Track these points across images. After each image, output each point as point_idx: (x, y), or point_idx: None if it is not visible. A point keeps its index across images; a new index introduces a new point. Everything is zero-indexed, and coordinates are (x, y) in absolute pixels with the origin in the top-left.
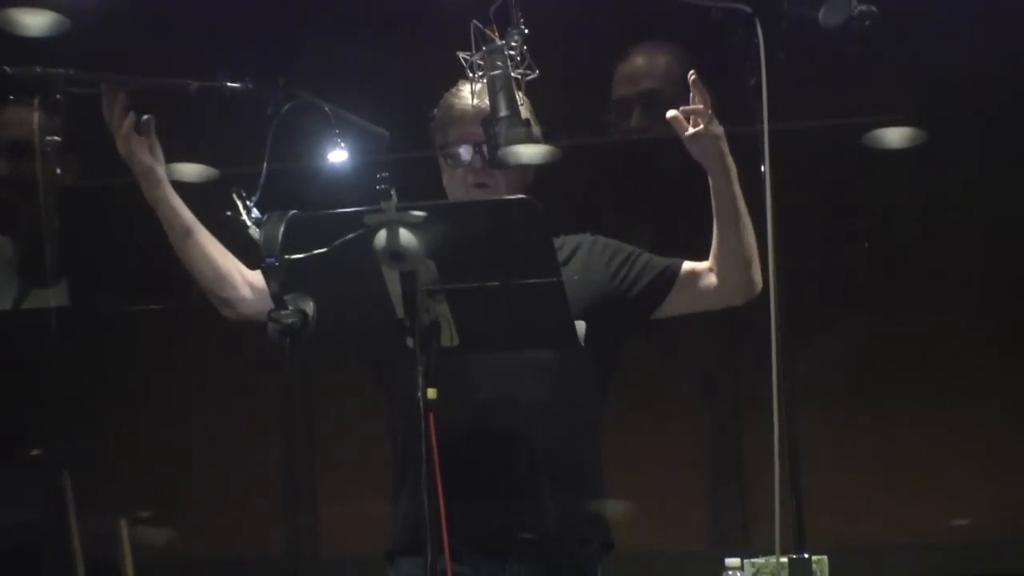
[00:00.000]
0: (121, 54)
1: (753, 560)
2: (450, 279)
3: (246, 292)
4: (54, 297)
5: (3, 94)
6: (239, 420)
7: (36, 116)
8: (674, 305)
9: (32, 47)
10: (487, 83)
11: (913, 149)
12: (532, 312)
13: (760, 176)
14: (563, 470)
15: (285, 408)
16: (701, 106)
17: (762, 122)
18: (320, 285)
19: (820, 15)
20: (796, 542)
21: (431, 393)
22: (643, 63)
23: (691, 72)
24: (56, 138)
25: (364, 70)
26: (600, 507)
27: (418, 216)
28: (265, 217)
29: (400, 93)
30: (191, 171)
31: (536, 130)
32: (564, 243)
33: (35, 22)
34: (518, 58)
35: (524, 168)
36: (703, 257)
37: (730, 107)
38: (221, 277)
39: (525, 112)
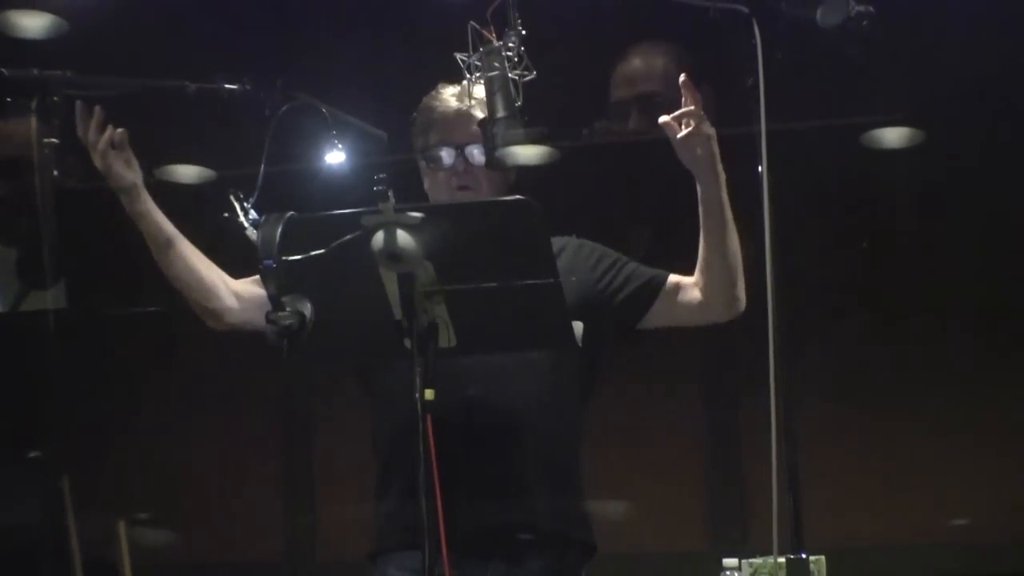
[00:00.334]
0: (119, 56)
1: (751, 560)
2: (448, 280)
3: (231, 302)
4: (53, 299)
5: (1, 96)
6: (237, 422)
7: (32, 122)
8: (658, 317)
9: (30, 49)
10: (485, 84)
11: (911, 149)
12: (530, 313)
13: (758, 177)
14: (543, 473)
15: (283, 410)
16: (692, 107)
17: (759, 122)
18: (318, 286)
19: (818, 15)
20: (794, 542)
21: (428, 394)
22: (640, 65)
23: (682, 75)
24: (54, 140)
25: (362, 72)
26: (581, 510)
27: (416, 217)
28: (263, 218)
29: (398, 94)
30: (189, 173)
31: (532, 130)
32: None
33: (33, 24)
34: (515, 59)
35: (508, 169)
36: (693, 265)
37: (728, 108)
38: (205, 288)
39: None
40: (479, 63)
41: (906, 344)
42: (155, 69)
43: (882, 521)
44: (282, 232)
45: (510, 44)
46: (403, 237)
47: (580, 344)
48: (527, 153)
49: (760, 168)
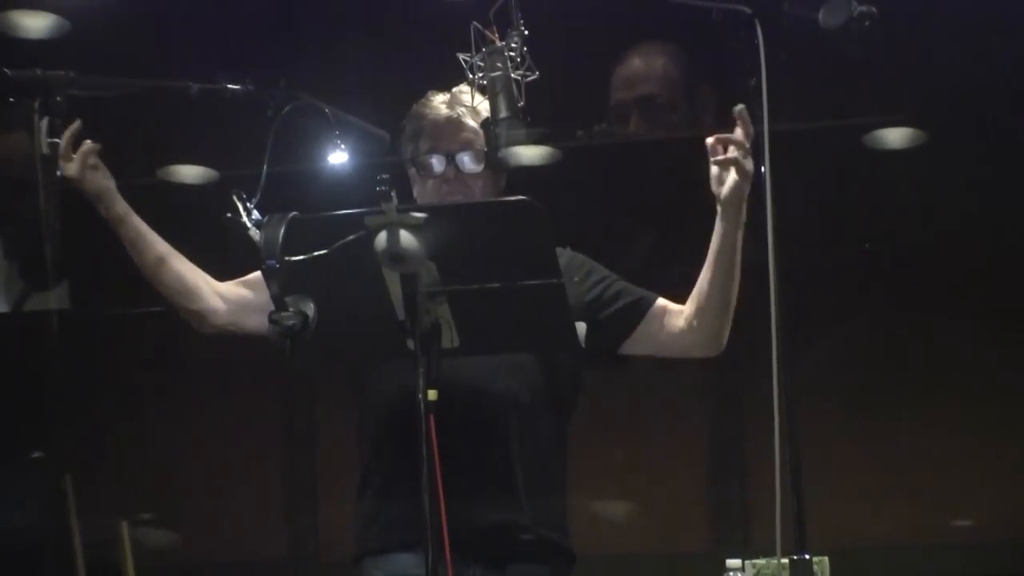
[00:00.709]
0: (122, 56)
1: (754, 561)
2: (451, 281)
3: (216, 303)
4: (56, 300)
5: (4, 97)
6: (240, 422)
7: (36, 121)
8: (642, 341)
9: (33, 49)
10: (487, 85)
11: (913, 150)
12: (533, 314)
13: (760, 177)
14: (523, 478)
15: (286, 410)
16: (742, 138)
17: (762, 123)
18: (321, 287)
19: (820, 16)
20: (797, 543)
21: (432, 395)
22: (640, 67)
23: (740, 106)
24: (57, 141)
25: (364, 72)
26: (563, 518)
27: (419, 218)
28: (265, 219)
29: (400, 95)
30: (192, 173)
31: (535, 131)
32: None
33: (36, 24)
34: (518, 59)
35: (496, 175)
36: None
37: (730, 108)
38: (188, 290)
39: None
40: (482, 63)
41: (909, 344)
42: (158, 69)
43: (885, 522)
44: (285, 232)
45: (512, 44)
46: (406, 237)
47: (583, 345)
48: (529, 153)
49: (763, 168)
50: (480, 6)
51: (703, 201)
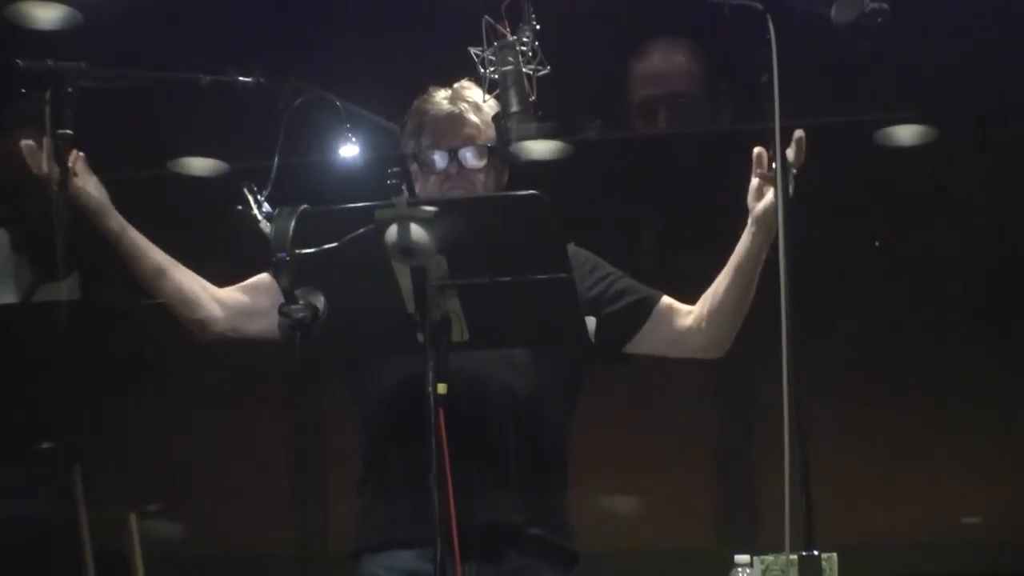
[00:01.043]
0: (133, 48)
1: (763, 557)
2: (460, 274)
3: (215, 311)
4: (65, 290)
5: (16, 87)
6: (249, 415)
7: (47, 113)
8: (647, 339)
9: (44, 41)
10: (498, 79)
11: (924, 146)
12: (542, 308)
13: (772, 173)
14: (527, 475)
15: (294, 403)
16: (794, 157)
17: (773, 119)
18: (330, 280)
19: (832, 12)
20: (806, 539)
21: (441, 388)
22: (668, 64)
23: (799, 131)
24: (68, 132)
25: (375, 65)
26: (566, 517)
27: (429, 211)
28: (276, 212)
29: (411, 88)
30: (202, 165)
31: (546, 125)
32: None
33: (47, 16)
34: (529, 54)
35: (499, 170)
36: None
37: (742, 104)
38: (187, 299)
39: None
40: (493, 58)
41: (919, 342)
42: (169, 62)
43: (894, 518)
44: (295, 225)
45: (524, 39)
46: (416, 231)
47: (592, 340)
48: (540, 148)
49: (774, 164)
50: (492, 0)
51: (719, 198)
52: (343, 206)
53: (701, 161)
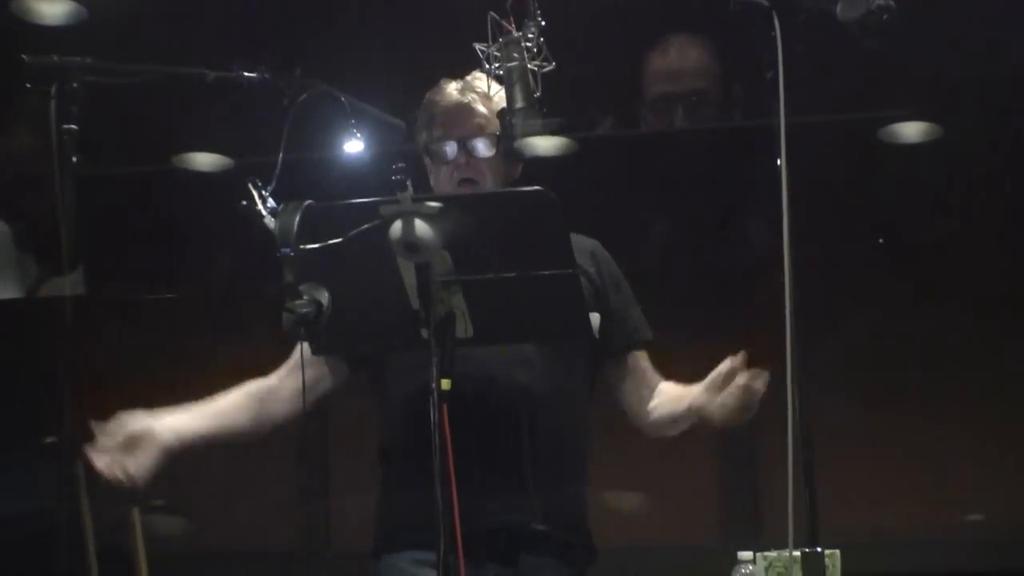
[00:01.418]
0: (138, 43)
1: (766, 553)
2: (465, 270)
3: (280, 407)
4: (70, 285)
5: (20, 83)
6: None
7: (52, 108)
8: (600, 369)
9: (49, 36)
10: (503, 75)
11: (929, 144)
12: (547, 304)
13: (776, 169)
14: (548, 473)
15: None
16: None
17: (778, 115)
18: (335, 275)
19: (838, 9)
20: (809, 536)
21: (445, 384)
22: (687, 60)
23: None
24: (73, 127)
25: (381, 61)
26: (585, 514)
27: (434, 207)
28: (281, 207)
29: (417, 84)
30: (207, 160)
31: (551, 121)
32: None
33: (52, 11)
34: (535, 50)
35: (510, 161)
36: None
37: (746, 100)
38: (260, 425)
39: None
40: (498, 53)
41: (922, 339)
42: (174, 57)
43: (898, 516)
44: (300, 221)
45: (529, 35)
46: (421, 227)
47: (596, 336)
48: (545, 144)
49: (779, 161)
50: None
51: (725, 195)
52: (348, 201)
53: (707, 157)
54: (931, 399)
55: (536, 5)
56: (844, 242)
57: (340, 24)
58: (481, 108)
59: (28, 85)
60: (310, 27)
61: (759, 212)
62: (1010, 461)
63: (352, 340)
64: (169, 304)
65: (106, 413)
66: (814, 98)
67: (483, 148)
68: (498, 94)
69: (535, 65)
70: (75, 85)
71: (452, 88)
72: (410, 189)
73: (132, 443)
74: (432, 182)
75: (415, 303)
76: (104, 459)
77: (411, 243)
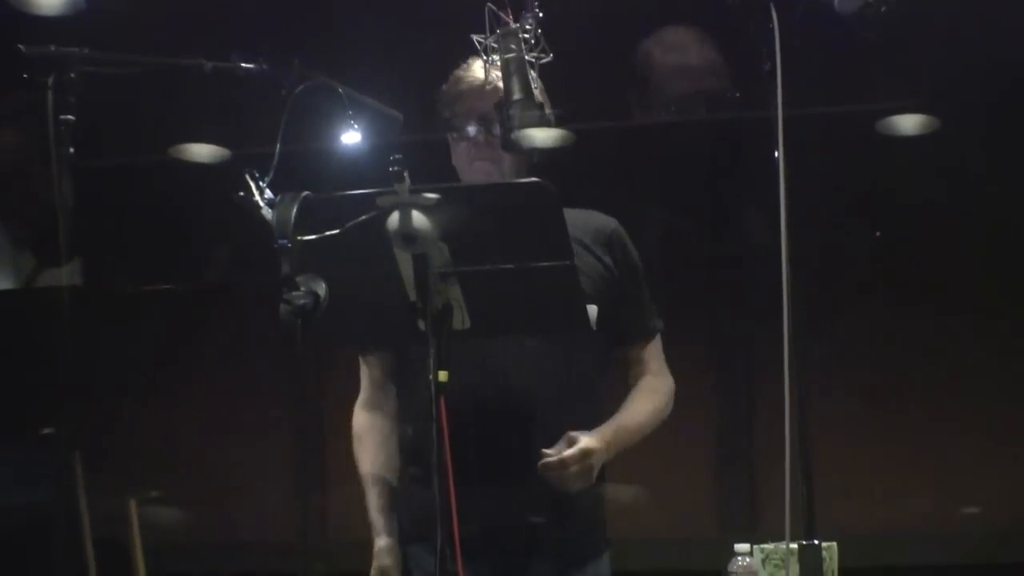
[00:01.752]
0: (136, 33)
1: (763, 546)
2: (462, 262)
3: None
4: (67, 276)
5: (18, 73)
6: (249, 401)
7: (49, 98)
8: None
9: (46, 26)
10: (501, 66)
11: (927, 136)
12: (544, 295)
13: (774, 162)
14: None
15: (295, 390)
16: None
17: (776, 108)
18: (332, 267)
19: (836, 1)
20: (806, 528)
21: (442, 376)
22: (702, 60)
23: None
24: (70, 117)
25: (378, 52)
26: (602, 505)
27: (431, 198)
28: (278, 198)
29: (414, 75)
30: (204, 151)
31: (549, 113)
32: (584, 215)
33: (49, 1)
34: (532, 41)
35: (525, 152)
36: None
37: (744, 92)
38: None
39: (537, 95)
40: (496, 45)
41: (919, 333)
42: (172, 47)
43: (895, 508)
44: (297, 212)
45: (527, 26)
46: (418, 218)
47: (594, 327)
48: (542, 135)
49: (776, 153)
50: None
51: (721, 186)
52: (345, 193)
53: (704, 149)
54: (928, 392)
55: None
56: (842, 235)
57: (338, 15)
58: None
59: (25, 76)
60: (308, 18)
61: (757, 205)
62: (1007, 454)
63: (349, 331)
64: (166, 295)
65: (102, 405)
66: (813, 90)
67: None
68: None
69: (533, 56)
70: (72, 75)
71: (478, 67)
72: (407, 180)
73: None
74: (453, 157)
75: (412, 294)
76: None
77: (408, 234)
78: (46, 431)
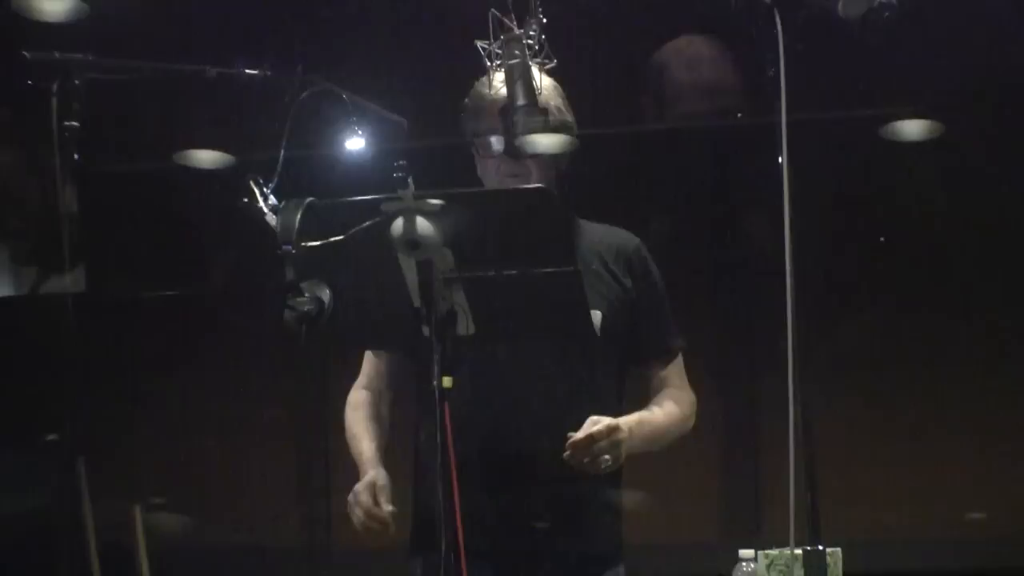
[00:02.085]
0: (140, 40)
1: (767, 552)
2: (467, 268)
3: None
4: (71, 283)
5: (22, 79)
6: (254, 407)
7: (53, 104)
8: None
9: (51, 32)
10: (505, 72)
11: (930, 141)
12: (549, 301)
13: (778, 167)
14: (571, 487)
15: (299, 396)
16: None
17: (780, 113)
18: (337, 273)
19: (839, 6)
20: (811, 534)
21: (447, 382)
22: (718, 78)
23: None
24: (75, 124)
25: (382, 58)
26: (618, 517)
27: (435, 204)
28: (282, 204)
29: (418, 81)
30: (208, 158)
31: (568, 115)
32: (608, 232)
33: (54, 7)
34: (536, 47)
35: (556, 156)
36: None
37: (748, 97)
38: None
39: (557, 97)
40: (500, 51)
41: (923, 338)
42: (176, 53)
43: (899, 514)
44: (301, 218)
45: (531, 32)
46: (422, 224)
47: (598, 333)
48: (546, 141)
49: (780, 159)
50: None
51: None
52: (349, 199)
53: (710, 154)
54: (933, 398)
55: (537, 2)
56: (846, 239)
57: (342, 21)
58: None
59: (30, 82)
60: (312, 24)
61: (761, 210)
62: (1012, 460)
63: (353, 337)
64: (170, 301)
65: (106, 410)
66: (817, 95)
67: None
68: (543, 93)
69: (536, 62)
70: (77, 82)
71: (500, 81)
72: (411, 186)
73: (375, 494)
74: (479, 172)
75: (417, 300)
76: (363, 521)
77: (413, 240)
78: (50, 437)
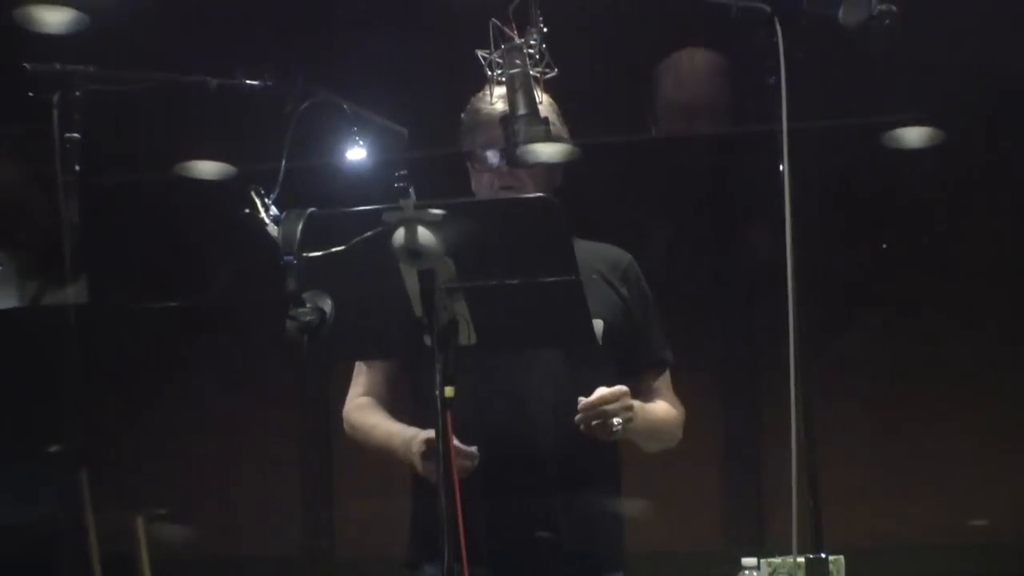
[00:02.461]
0: (141, 51)
1: (770, 559)
2: (468, 277)
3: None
4: (73, 294)
5: (23, 91)
6: (256, 417)
7: (55, 116)
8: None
9: (52, 44)
10: (506, 82)
11: (931, 149)
12: (550, 310)
13: (779, 175)
14: (586, 482)
15: (301, 405)
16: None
17: (781, 121)
18: (338, 283)
19: (840, 14)
20: (813, 541)
21: (448, 391)
22: (714, 95)
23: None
24: (76, 135)
25: (383, 68)
26: (619, 522)
27: (436, 214)
28: (283, 215)
29: (419, 91)
30: (209, 169)
31: (563, 130)
32: (600, 248)
33: (55, 19)
34: (537, 56)
35: (551, 170)
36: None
37: (749, 106)
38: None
39: (551, 112)
40: (500, 60)
41: (926, 344)
42: (176, 64)
43: (901, 521)
44: (303, 228)
45: (532, 41)
46: (424, 234)
47: (599, 342)
48: (548, 151)
49: (781, 167)
50: (499, 2)
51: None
52: (350, 209)
53: (710, 164)
54: (935, 405)
55: (538, 12)
56: (848, 247)
57: (342, 31)
58: None
59: (31, 93)
60: (312, 34)
61: (763, 218)
62: (1014, 466)
63: (355, 347)
64: (172, 312)
65: (109, 421)
66: (817, 103)
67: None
68: (542, 104)
69: (537, 72)
70: (78, 93)
71: (496, 95)
72: (413, 196)
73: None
74: (473, 187)
75: (418, 310)
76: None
77: (414, 250)
78: (52, 448)
